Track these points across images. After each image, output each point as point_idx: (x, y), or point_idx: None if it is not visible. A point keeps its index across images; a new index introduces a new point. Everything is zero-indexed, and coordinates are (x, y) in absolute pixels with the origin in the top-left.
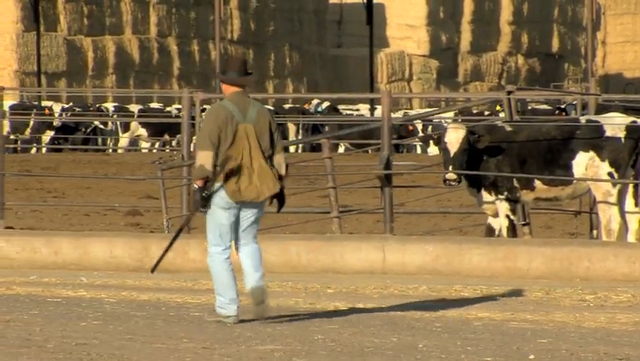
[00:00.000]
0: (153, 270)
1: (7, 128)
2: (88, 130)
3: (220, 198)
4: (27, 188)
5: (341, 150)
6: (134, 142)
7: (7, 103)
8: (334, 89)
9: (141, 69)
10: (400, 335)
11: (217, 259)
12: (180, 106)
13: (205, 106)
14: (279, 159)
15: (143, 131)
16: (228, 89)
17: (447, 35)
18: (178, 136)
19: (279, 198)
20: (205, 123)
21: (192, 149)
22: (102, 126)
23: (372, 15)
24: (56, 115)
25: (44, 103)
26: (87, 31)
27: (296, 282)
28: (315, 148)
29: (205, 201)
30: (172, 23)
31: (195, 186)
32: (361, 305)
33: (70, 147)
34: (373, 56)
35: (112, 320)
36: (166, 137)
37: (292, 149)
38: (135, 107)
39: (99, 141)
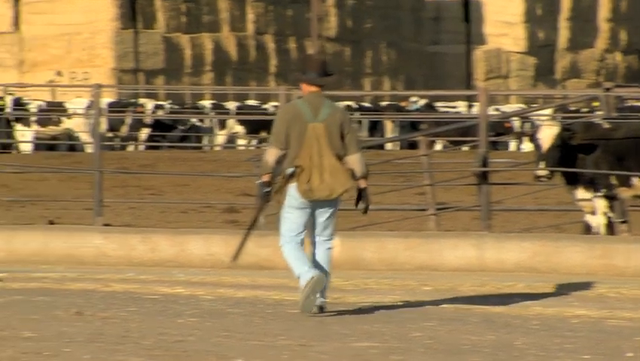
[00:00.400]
0: (234, 259)
1: (104, 125)
2: (186, 128)
3: (294, 199)
4: (125, 185)
5: (438, 147)
6: (231, 139)
7: (105, 101)
8: (431, 86)
9: (238, 66)
10: (498, 333)
11: (288, 247)
12: (277, 103)
13: None
14: (355, 159)
15: (240, 129)
16: (306, 89)
17: (544, 32)
18: None
19: (363, 198)
20: (276, 121)
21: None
22: (199, 124)
23: (469, 12)
24: (149, 112)
25: (141, 101)
26: (185, 28)
27: (393, 279)
28: (412, 145)
29: (267, 196)
30: (270, 21)
31: (260, 181)
32: (457, 302)
33: (167, 144)
34: (470, 53)
35: (209, 317)
36: (263, 134)
37: (389, 146)
38: (232, 105)
39: (196, 138)
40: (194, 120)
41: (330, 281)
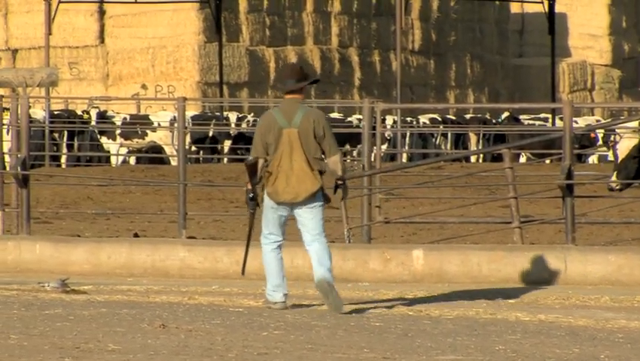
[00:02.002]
0: (242, 272)
1: (189, 138)
2: None
3: (268, 199)
4: (209, 198)
5: (522, 159)
6: None
7: (190, 114)
8: (515, 99)
9: (322, 79)
10: (582, 346)
11: (267, 248)
12: (361, 116)
13: (386, 116)
14: (335, 159)
15: None
16: (286, 96)
17: (630, 45)
18: (359, 146)
19: (343, 191)
20: (256, 130)
21: (372, 159)
22: None
23: (554, 25)
24: (232, 125)
25: (226, 114)
26: (269, 41)
27: (477, 292)
28: (497, 158)
29: (252, 202)
30: (354, 34)
31: (245, 188)
32: (542, 316)
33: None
34: (554, 65)
35: (293, 330)
36: (347, 147)
37: (473, 159)
38: None
39: None
40: None
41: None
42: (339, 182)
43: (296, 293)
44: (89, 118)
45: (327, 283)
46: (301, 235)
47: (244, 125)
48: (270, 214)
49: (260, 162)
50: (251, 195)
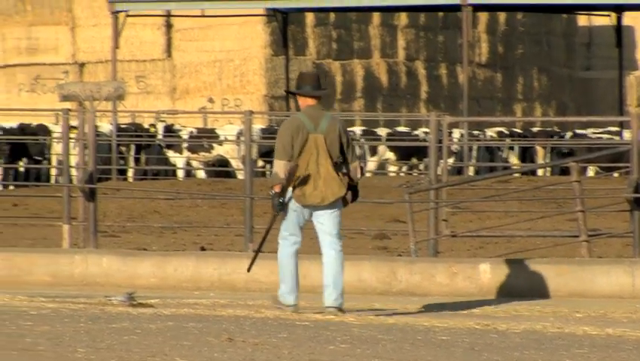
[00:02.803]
0: (249, 269)
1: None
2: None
3: (292, 202)
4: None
5: (590, 173)
6: (382, 166)
7: (257, 127)
8: (583, 112)
9: (389, 93)
10: None
11: (284, 251)
12: (427, 129)
13: (453, 130)
14: (355, 166)
15: (391, 155)
16: (304, 103)
17: None
18: (426, 160)
19: (353, 193)
20: (279, 134)
21: (439, 172)
22: None
23: (621, 37)
24: None
25: None
26: (336, 55)
27: (544, 306)
28: (564, 171)
29: (281, 206)
30: (420, 47)
31: (272, 191)
32: (610, 330)
33: None
34: (622, 78)
35: (360, 344)
36: (414, 160)
37: (540, 172)
38: (382, 131)
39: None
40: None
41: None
42: (352, 185)
43: (363, 307)
44: (156, 131)
45: (339, 309)
46: (318, 237)
47: None
48: (293, 217)
49: (285, 164)
50: (281, 199)
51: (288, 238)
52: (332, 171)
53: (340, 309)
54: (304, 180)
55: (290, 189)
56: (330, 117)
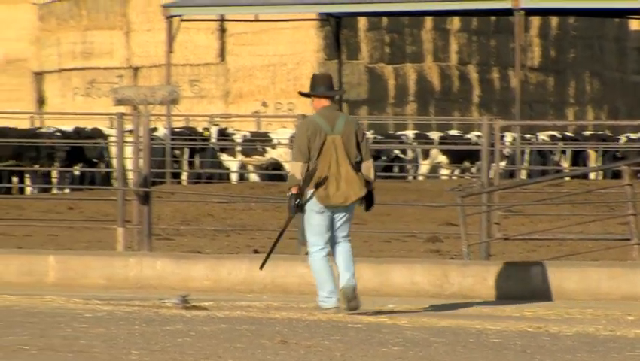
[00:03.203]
0: (261, 267)
1: None
2: (390, 159)
3: (314, 204)
4: None
5: None
6: (434, 169)
7: None
8: (635, 115)
9: (441, 97)
10: None
11: (317, 257)
12: (479, 133)
13: (505, 133)
14: (368, 165)
15: (443, 159)
16: (318, 104)
17: None
18: (478, 163)
19: (368, 199)
20: (296, 136)
21: (491, 176)
22: (402, 156)
23: None
24: None
25: None
26: (388, 59)
27: (596, 309)
28: (616, 175)
29: (298, 207)
30: (473, 51)
31: (289, 193)
32: None
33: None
34: None
35: (412, 346)
36: (466, 164)
37: (592, 176)
38: (435, 135)
39: (399, 168)
40: (397, 152)
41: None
42: (370, 189)
43: (414, 310)
44: (210, 135)
45: (353, 288)
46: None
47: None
48: (317, 220)
49: (302, 166)
50: (298, 201)
51: (317, 245)
52: (352, 171)
53: (354, 289)
54: (326, 181)
55: (310, 191)
56: (345, 117)
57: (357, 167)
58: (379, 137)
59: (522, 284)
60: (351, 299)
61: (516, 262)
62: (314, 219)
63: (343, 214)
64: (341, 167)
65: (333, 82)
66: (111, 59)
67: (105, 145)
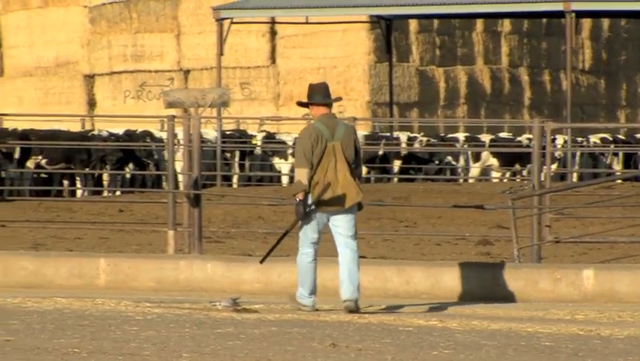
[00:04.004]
0: (261, 261)
1: None
2: (442, 163)
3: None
4: (379, 217)
5: None
6: (485, 172)
7: (360, 133)
8: None
9: (492, 99)
10: None
11: (304, 259)
12: (530, 136)
13: (556, 136)
14: (359, 172)
15: (494, 161)
16: (317, 112)
17: None
18: (529, 166)
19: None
20: (298, 143)
21: (542, 178)
22: (454, 163)
23: None
24: (404, 144)
25: (396, 134)
26: (439, 61)
27: None
28: None
29: (306, 213)
30: (524, 53)
31: (297, 199)
32: None
33: (421, 176)
34: None
35: (463, 349)
36: (517, 166)
37: None
38: (486, 137)
39: (450, 171)
40: (449, 158)
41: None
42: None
43: (465, 313)
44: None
45: (356, 302)
46: (334, 238)
47: (416, 144)
48: (311, 223)
49: (308, 172)
50: (308, 207)
51: (305, 245)
52: (349, 177)
53: (356, 302)
54: (324, 187)
55: (309, 195)
56: (344, 125)
57: (354, 173)
58: (432, 140)
59: (573, 287)
60: (353, 311)
61: (567, 265)
62: (307, 223)
63: (342, 216)
64: (339, 172)
65: (329, 90)
66: (161, 62)
67: (154, 147)
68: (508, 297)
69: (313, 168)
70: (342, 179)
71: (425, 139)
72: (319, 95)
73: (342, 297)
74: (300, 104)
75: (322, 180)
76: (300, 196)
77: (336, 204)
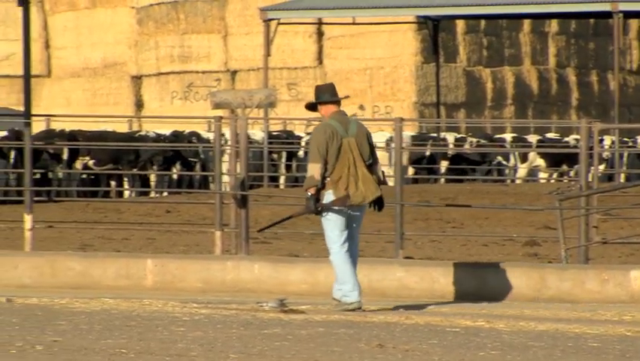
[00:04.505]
0: (261, 230)
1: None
2: (492, 164)
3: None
4: (426, 218)
5: None
6: (532, 172)
7: (407, 134)
8: None
9: (539, 100)
10: None
11: (340, 253)
12: (578, 136)
13: (603, 136)
14: (378, 168)
15: (541, 162)
16: (328, 111)
17: None
18: (576, 166)
19: (379, 200)
20: (313, 139)
21: (589, 179)
22: (505, 163)
23: None
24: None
25: (443, 134)
26: (486, 62)
27: None
28: None
29: (316, 208)
30: (571, 54)
31: (308, 193)
32: None
33: (468, 177)
34: None
35: (510, 350)
36: (564, 167)
37: None
38: (533, 138)
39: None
40: (500, 158)
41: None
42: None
43: (512, 313)
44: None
45: (360, 307)
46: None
47: (467, 145)
48: (337, 220)
49: (320, 167)
50: (319, 207)
51: (338, 242)
52: (367, 173)
53: (361, 306)
54: (346, 183)
55: (330, 192)
56: (355, 121)
57: (371, 168)
58: (483, 140)
59: (620, 288)
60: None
61: (615, 266)
62: (332, 219)
63: (358, 215)
64: (358, 168)
65: (336, 89)
66: (208, 63)
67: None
68: (555, 298)
69: (332, 164)
70: (362, 174)
71: (475, 140)
72: (327, 93)
73: (348, 298)
74: (309, 105)
75: (345, 174)
76: (312, 191)
77: (360, 198)
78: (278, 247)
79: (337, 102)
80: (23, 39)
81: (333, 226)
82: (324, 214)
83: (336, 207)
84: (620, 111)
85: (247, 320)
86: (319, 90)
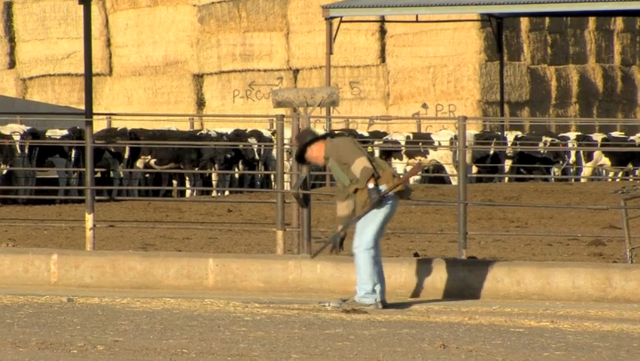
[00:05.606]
0: (314, 256)
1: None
2: (564, 163)
3: (386, 199)
4: (490, 217)
5: None
6: (597, 171)
7: (471, 132)
8: None
9: (604, 98)
10: None
11: (369, 253)
12: None
13: None
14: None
15: (606, 161)
16: (320, 148)
17: None
18: None
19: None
20: (342, 144)
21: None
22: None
23: None
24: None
25: (507, 133)
26: (551, 60)
27: None
28: None
29: (380, 199)
30: (637, 52)
31: (370, 186)
32: None
33: (530, 176)
34: None
35: (575, 351)
36: (630, 166)
37: None
38: (598, 136)
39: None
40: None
41: None
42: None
43: (577, 314)
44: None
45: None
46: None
47: (541, 144)
48: (391, 213)
49: (368, 159)
50: (384, 193)
51: (373, 240)
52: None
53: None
54: (390, 171)
55: (383, 187)
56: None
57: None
58: (555, 140)
59: None
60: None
61: None
62: (378, 216)
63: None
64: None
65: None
66: (270, 61)
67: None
68: (620, 298)
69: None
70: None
71: (549, 139)
72: (310, 135)
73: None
74: (299, 154)
75: (389, 169)
76: (372, 182)
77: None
78: None
79: (323, 138)
80: (84, 37)
81: (381, 218)
82: (382, 204)
83: (393, 196)
84: None
85: (309, 320)
86: (302, 136)
